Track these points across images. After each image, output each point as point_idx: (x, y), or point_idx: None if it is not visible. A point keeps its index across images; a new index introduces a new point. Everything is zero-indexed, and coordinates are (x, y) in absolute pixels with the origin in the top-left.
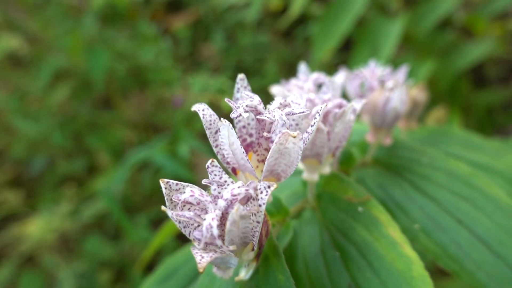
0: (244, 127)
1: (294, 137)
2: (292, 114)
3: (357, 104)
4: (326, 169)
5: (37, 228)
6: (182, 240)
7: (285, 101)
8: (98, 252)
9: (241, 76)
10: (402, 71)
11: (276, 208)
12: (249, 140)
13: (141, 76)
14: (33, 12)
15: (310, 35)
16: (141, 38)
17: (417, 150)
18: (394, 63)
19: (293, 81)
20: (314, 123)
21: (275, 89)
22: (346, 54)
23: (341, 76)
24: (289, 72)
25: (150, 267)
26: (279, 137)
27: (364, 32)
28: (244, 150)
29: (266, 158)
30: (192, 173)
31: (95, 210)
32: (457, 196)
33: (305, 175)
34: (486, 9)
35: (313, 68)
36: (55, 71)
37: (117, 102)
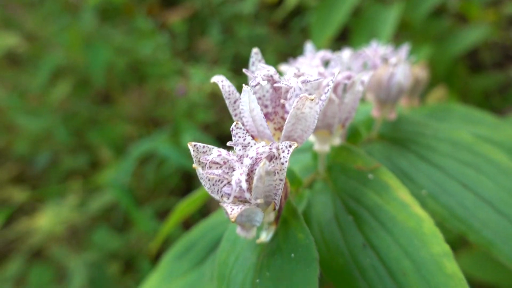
0: (259, 98)
1: (312, 100)
2: (307, 82)
3: (365, 76)
4: (337, 140)
5: (46, 221)
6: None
7: (299, 71)
8: (106, 244)
9: (255, 50)
10: (404, 49)
11: (290, 178)
12: (264, 111)
13: (140, 71)
14: (30, 10)
15: (307, 26)
16: (139, 33)
17: (420, 123)
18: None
19: (301, 59)
20: (328, 90)
21: (283, 67)
22: (343, 44)
23: (347, 53)
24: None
25: (157, 257)
26: (297, 102)
27: (360, 20)
28: (263, 116)
29: (282, 126)
30: None
31: (102, 202)
32: (462, 163)
33: (317, 147)
34: None
35: None
36: (54, 68)
37: (116, 97)
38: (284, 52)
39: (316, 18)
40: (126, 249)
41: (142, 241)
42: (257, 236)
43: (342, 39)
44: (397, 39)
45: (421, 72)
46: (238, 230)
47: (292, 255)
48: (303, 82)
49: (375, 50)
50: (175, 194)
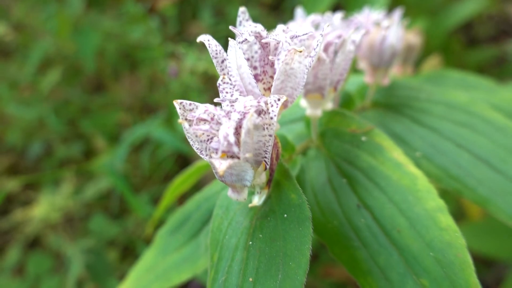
0: (248, 59)
1: (301, 52)
2: (296, 36)
3: (356, 35)
4: (329, 105)
5: (40, 209)
6: None
7: (288, 28)
8: (104, 231)
9: (242, 9)
10: (397, 13)
11: (282, 144)
12: (253, 73)
13: (131, 57)
14: None
15: (299, 5)
16: (128, 18)
17: (414, 88)
18: None
19: (291, 24)
20: (317, 44)
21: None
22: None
23: (338, 16)
24: None
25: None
26: (285, 55)
27: None
28: (252, 73)
29: (272, 85)
30: (191, 148)
31: (97, 190)
32: (457, 124)
33: (309, 112)
34: None
35: None
36: (44, 56)
37: (109, 85)
38: None
39: None
40: (124, 235)
41: (140, 227)
42: (250, 201)
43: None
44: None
45: (414, 38)
46: (229, 192)
47: (285, 215)
48: (292, 37)
49: (368, 15)
50: (170, 180)
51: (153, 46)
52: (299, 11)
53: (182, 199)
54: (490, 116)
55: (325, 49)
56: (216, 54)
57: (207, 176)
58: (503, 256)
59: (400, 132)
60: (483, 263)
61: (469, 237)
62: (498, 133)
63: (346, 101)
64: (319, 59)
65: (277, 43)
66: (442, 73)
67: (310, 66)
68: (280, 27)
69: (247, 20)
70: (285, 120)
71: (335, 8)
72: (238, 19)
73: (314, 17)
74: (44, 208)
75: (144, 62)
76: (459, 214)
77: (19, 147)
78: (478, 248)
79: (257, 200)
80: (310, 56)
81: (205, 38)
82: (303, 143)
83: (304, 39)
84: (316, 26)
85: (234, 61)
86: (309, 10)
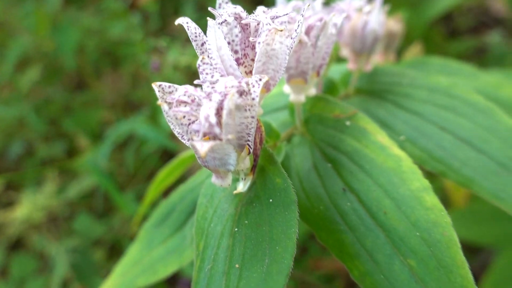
0: (229, 43)
1: (281, 31)
2: (277, 17)
3: (338, 18)
4: (312, 90)
5: (22, 209)
6: None
7: (268, 9)
8: (89, 230)
9: None
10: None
11: (267, 131)
12: (234, 57)
13: (113, 54)
14: None
15: None
16: (109, 14)
17: (397, 73)
18: None
19: (273, 10)
20: (298, 26)
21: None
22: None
23: (319, 1)
24: None
25: None
26: (266, 36)
27: None
28: (232, 55)
29: (253, 68)
30: (176, 144)
31: (81, 188)
32: (439, 107)
33: (292, 97)
34: None
35: None
36: (22, 54)
37: (91, 82)
38: None
39: None
40: (110, 234)
41: (127, 225)
42: (234, 188)
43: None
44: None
45: (396, 25)
46: (213, 178)
47: (271, 200)
48: (272, 17)
49: (349, 2)
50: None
51: (135, 42)
52: None
53: (167, 194)
54: (471, 98)
55: (307, 32)
56: (196, 36)
57: (192, 169)
58: (488, 242)
59: (383, 117)
60: (468, 250)
61: (454, 224)
62: (480, 115)
63: (330, 88)
64: (301, 42)
65: (257, 24)
66: (424, 60)
67: (291, 47)
68: (260, 8)
69: (226, 3)
70: (269, 109)
71: None
72: (218, 2)
73: (296, 2)
74: (27, 208)
75: (126, 58)
76: (443, 202)
77: (0, 148)
78: (463, 235)
79: (242, 187)
80: (291, 38)
81: (184, 21)
82: (288, 130)
83: (285, 20)
84: (298, 11)
85: (214, 42)
86: None
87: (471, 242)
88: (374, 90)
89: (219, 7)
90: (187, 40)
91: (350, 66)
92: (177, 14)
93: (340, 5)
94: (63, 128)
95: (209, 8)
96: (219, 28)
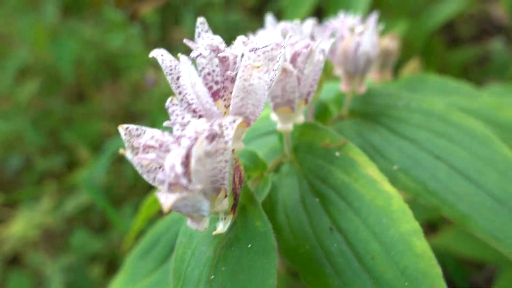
0: (209, 74)
1: (258, 67)
2: (256, 49)
3: (325, 44)
4: (300, 118)
5: (18, 226)
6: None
7: (248, 39)
8: (86, 246)
9: (201, 20)
10: (372, 18)
11: (253, 162)
12: (215, 87)
13: (112, 65)
14: None
15: (282, 9)
16: (108, 25)
17: (392, 95)
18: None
19: (261, 32)
20: (279, 58)
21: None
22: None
23: (309, 23)
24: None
25: None
26: (243, 71)
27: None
28: (208, 91)
29: (231, 104)
30: None
31: (78, 203)
32: (434, 134)
33: (279, 126)
34: None
35: None
36: (21, 67)
37: (90, 94)
38: None
39: None
40: (108, 249)
41: (125, 240)
42: (215, 228)
43: (318, 16)
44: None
45: (391, 43)
46: (189, 222)
47: (250, 245)
48: (252, 50)
49: (343, 21)
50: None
51: (134, 54)
52: (269, 19)
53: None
54: (468, 125)
55: (293, 60)
56: (171, 70)
57: None
58: (490, 259)
59: (377, 144)
60: (472, 264)
61: (456, 240)
62: (476, 144)
63: (322, 111)
64: (286, 71)
65: (235, 57)
66: (422, 77)
67: (272, 81)
68: (240, 39)
69: (206, 32)
70: (258, 133)
71: (317, 12)
72: (197, 31)
73: (285, 24)
74: (21, 226)
75: (126, 69)
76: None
77: None
78: (466, 252)
79: (221, 227)
80: (273, 70)
81: (158, 53)
82: (276, 158)
83: (267, 50)
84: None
85: (188, 79)
86: (290, 15)
87: (474, 259)
88: (368, 113)
89: (199, 36)
90: (187, 51)
91: (343, 88)
92: (178, 24)
93: (333, 23)
94: (63, 140)
95: (184, 40)
96: (191, 64)
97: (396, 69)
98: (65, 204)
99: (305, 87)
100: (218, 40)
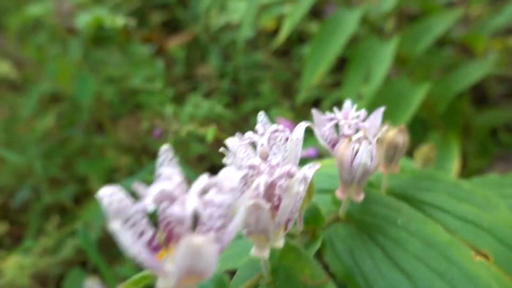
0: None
1: (201, 245)
2: (212, 204)
3: (309, 171)
4: (279, 243)
5: (7, 274)
6: None
7: (211, 181)
8: None
9: (165, 147)
10: (378, 115)
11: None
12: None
13: (132, 99)
14: (22, 38)
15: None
16: (134, 60)
17: (392, 207)
18: (388, 86)
19: (248, 134)
20: (238, 221)
21: (230, 142)
22: (339, 74)
23: (302, 127)
24: (285, 91)
25: None
26: (184, 244)
27: (357, 53)
28: (147, 251)
29: None
30: None
31: (77, 243)
32: (433, 272)
33: (254, 252)
34: (486, 27)
35: (301, 91)
36: (43, 97)
37: (108, 127)
38: (283, 81)
39: (311, 50)
40: None
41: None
42: None
43: (340, 68)
44: (395, 75)
45: (399, 137)
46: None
47: None
48: (206, 204)
49: (346, 115)
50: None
51: (155, 90)
52: (260, 117)
53: None
54: (471, 269)
55: (270, 190)
56: (118, 212)
57: None
58: None
59: (368, 272)
60: None
61: None
62: None
63: (314, 216)
64: (258, 207)
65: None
66: (433, 174)
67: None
68: (199, 182)
69: (170, 161)
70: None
71: (339, 64)
72: (159, 160)
73: (276, 127)
74: (10, 273)
75: (146, 106)
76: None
77: (9, 188)
78: None
79: None
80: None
81: (106, 194)
82: (253, 279)
83: (225, 205)
84: (276, 138)
85: (123, 242)
86: (310, 70)
87: None
88: (365, 222)
89: (160, 166)
90: (207, 94)
91: (339, 194)
92: (204, 60)
93: (337, 115)
94: (76, 171)
95: (134, 186)
96: (120, 228)
97: (409, 150)
98: (64, 245)
99: (284, 216)
100: (174, 183)
